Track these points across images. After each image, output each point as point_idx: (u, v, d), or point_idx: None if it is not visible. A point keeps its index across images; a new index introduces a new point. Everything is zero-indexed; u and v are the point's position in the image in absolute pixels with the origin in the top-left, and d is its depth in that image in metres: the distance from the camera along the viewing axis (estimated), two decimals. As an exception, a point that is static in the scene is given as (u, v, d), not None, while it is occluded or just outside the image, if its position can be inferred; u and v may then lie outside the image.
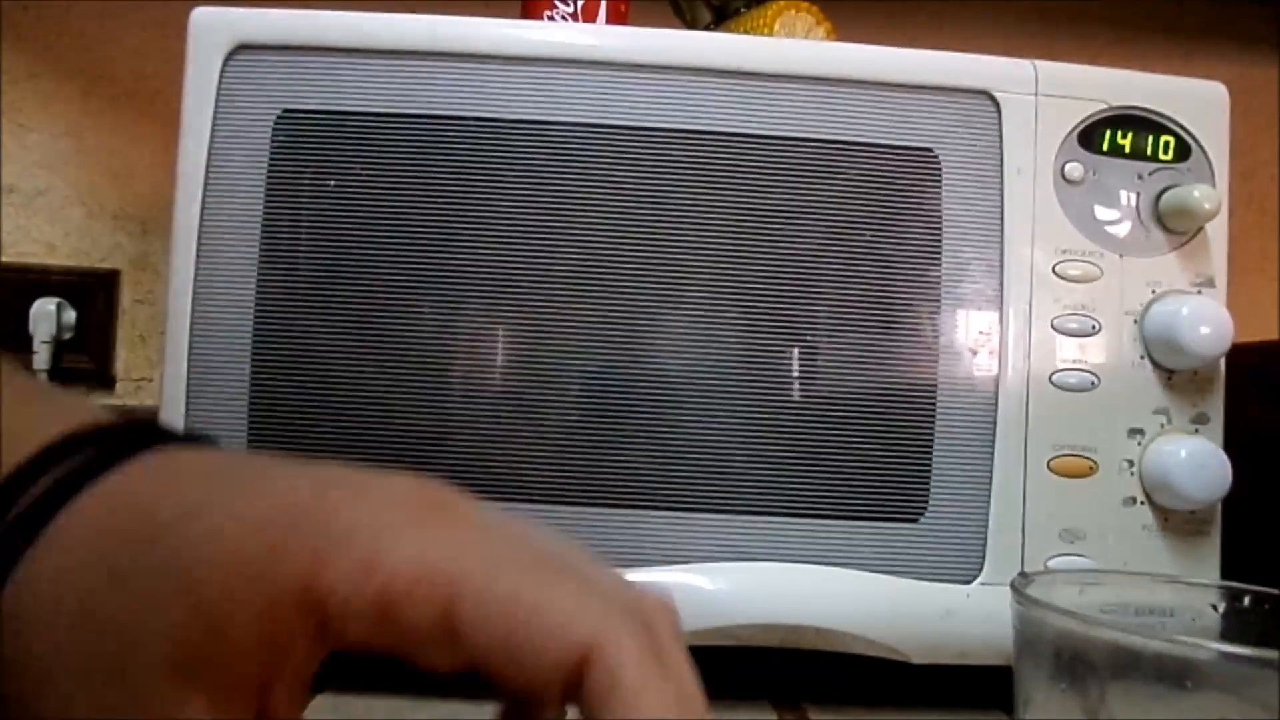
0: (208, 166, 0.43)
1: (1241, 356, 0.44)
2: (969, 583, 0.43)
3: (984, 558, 0.43)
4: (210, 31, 0.44)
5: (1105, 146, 0.45)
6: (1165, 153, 0.45)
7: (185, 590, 0.17)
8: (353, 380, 0.42)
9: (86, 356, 0.76)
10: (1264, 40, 0.85)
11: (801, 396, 0.43)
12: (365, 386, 0.42)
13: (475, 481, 0.42)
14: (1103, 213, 0.45)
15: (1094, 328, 0.44)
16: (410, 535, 0.17)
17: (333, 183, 0.43)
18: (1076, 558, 0.43)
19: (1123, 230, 0.45)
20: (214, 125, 0.43)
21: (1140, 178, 0.45)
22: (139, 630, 0.17)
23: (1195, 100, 0.46)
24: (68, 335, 0.74)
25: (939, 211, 0.44)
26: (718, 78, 0.44)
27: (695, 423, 0.43)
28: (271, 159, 0.43)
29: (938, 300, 0.44)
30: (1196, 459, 0.42)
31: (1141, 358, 0.44)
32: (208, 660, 0.17)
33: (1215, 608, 0.31)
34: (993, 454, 0.43)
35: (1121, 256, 0.45)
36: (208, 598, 0.17)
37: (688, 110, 0.44)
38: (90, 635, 0.17)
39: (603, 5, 0.54)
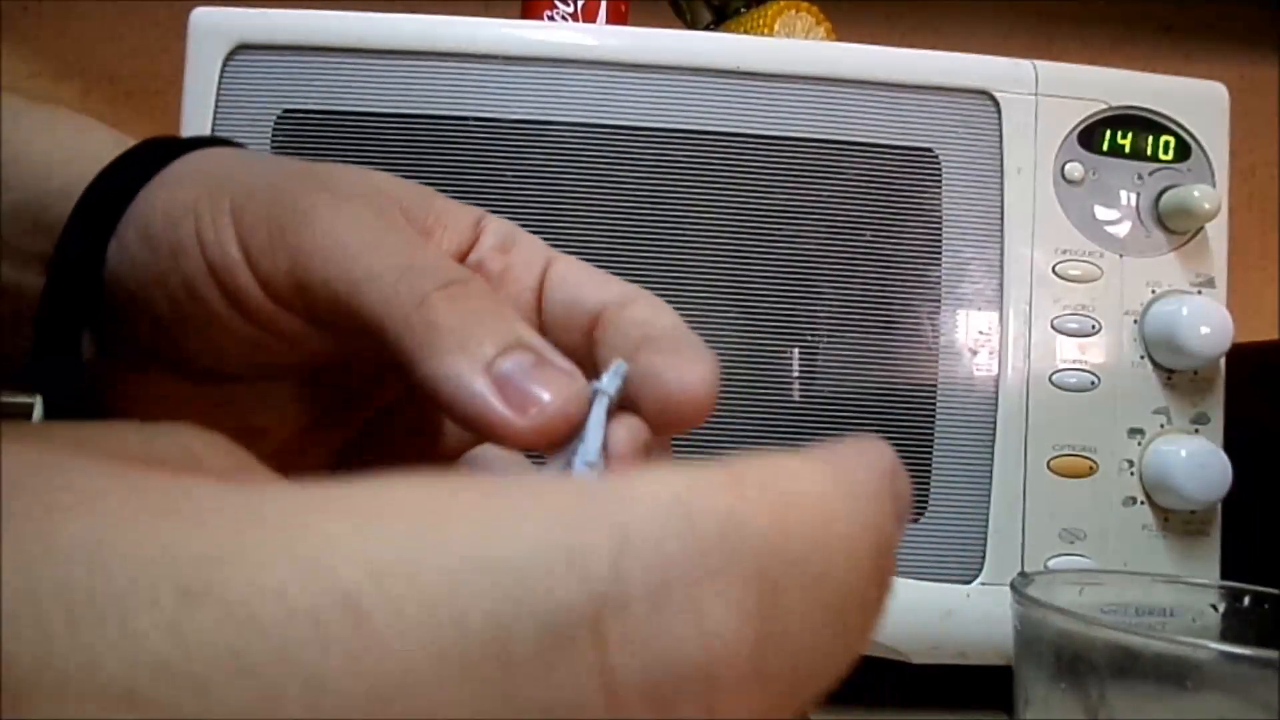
0: (208, 166, 0.43)
1: (1241, 356, 0.44)
2: (969, 583, 0.43)
3: (984, 558, 0.43)
4: (210, 31, 0.44)
5: (1105, 146, 0.45)
6: (1165, 153, 0.45)
7: None
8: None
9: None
10: (1264, 40, 0.85)
11: (801, 396, 0.43)
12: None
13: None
14: (1103, 213, 0.45)
15: (1094, 328, 0.44)
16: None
17: (333, 183, 0.43)
18: (1076, 558, 0.43)
19: (1123, 230, 0.45)
20: (214, 125, 0.43)
21: (1140, 178, 0.45)
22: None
23: (1195, 100, 0.46)
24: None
25: (939, 211, 0.44)
26: (718, 78, 0.44)
27: (695, 423, 0.43)
28: (271, 159, 0.43)
29: (938, 300, 0.44)
30: (1196, 459, 0.42)
31: (1141, 358, 0.44)
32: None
33: (1215, 608, 0.31)
34: (993, 454, 0.43)
35: (1121, 256, 0.45)
36: None
37: (688, 110, 0.44)
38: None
39: (603, 5, 0.54)
